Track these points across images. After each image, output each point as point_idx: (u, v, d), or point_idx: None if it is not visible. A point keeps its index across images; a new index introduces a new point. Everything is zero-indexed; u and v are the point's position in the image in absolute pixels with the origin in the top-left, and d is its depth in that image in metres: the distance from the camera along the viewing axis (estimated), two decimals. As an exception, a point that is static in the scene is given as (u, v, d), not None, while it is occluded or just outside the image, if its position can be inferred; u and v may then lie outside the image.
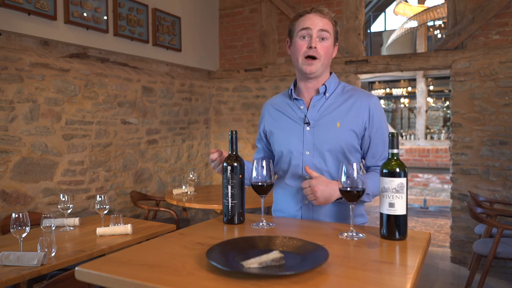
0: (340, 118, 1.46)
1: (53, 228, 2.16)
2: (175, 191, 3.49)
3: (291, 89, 1.56)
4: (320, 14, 1.46)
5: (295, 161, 1.50)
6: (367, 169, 1.52)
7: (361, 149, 1.51)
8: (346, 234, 1.21)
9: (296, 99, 1.54)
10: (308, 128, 1.48)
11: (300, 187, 1.46)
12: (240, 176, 1.36)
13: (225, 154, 1.42)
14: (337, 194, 1.32)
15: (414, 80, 10.78)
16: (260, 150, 1.72)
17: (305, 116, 1.50)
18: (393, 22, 20.48)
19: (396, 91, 12.65)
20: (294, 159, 1.50)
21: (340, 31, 4.19)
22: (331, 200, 1.34)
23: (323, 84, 1.51)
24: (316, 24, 1.44)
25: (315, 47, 1.44)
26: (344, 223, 1.41)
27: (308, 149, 1.47)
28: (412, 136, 10.92)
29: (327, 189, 1.31)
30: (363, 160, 1.54)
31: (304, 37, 1.46)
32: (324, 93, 1.51)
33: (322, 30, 1.44)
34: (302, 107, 1.52)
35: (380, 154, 1.48)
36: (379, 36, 12.23)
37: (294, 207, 1.53)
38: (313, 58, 1.45)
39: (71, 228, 2.34)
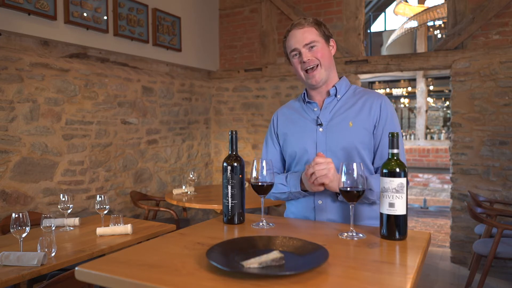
0: (352, 118, 1.47)
1: (53, 228, 2.15)
2: (175, 191, 3.49)
3: (304, 93, 1.59)
4: (298, 27, 1.49)
5: (308, 162, 1.48)
6: (375, 171, 1.49)
7: None
8: (346, 234, 1.21)
9: (309, 102, 1.57)
10: (321, 130, 1.50)
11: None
12: (240, 176, 1.36)
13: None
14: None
15: (414, 80, 10.77)
16: (271, 150, 1.66)
17: (318, 117, 1.51)
18: (393, 22, 20.45)
19: (396, 91, 12.64)
20: (307, 160, 1.50)
21: (339, 31, 4.25)
22: (333, 187, 1.34)
23: (333, 86, 1.54)
24: (300, 40, 1.48)
25: (308, 59, 1.48)
26: (355, 224, 1.37)
27: (321, 149, 1.47)
28: (412, 136, 10.91)
29: (337, 177, 1.32)
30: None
31: (296, 55, 1.51)
32: (335, 95, 1.53)
33: (306, 44, 1.48)
34: (315, 109, 1.55)
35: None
36: (379, 36, 12.22)
37: (306, 207, 1.51)
38: (315, 66, 1.48)
39: (71, 228, 2.34)
